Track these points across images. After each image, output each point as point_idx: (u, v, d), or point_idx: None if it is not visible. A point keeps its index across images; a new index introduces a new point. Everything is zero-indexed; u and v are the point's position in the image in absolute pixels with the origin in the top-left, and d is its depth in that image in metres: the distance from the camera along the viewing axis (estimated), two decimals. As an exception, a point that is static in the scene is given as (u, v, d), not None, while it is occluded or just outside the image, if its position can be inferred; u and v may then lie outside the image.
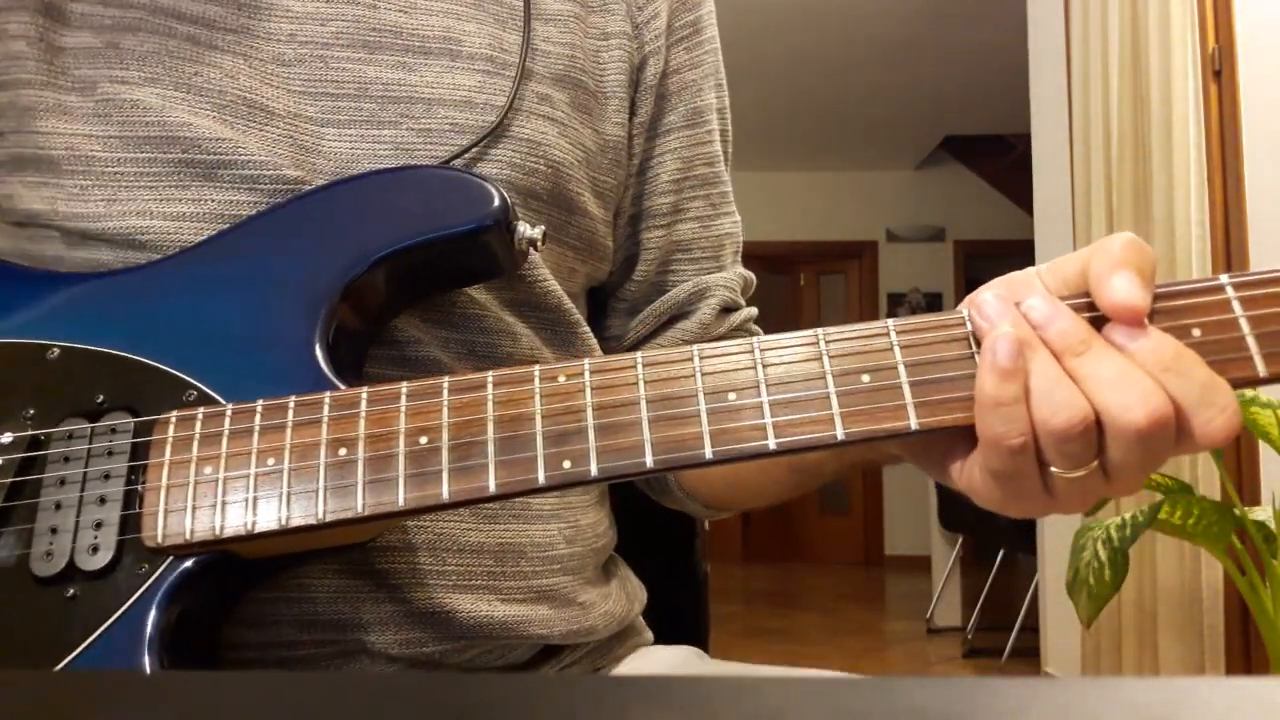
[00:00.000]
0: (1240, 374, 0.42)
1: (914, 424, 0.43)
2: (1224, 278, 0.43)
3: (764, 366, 0.45)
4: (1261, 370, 0.42)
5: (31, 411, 0.50)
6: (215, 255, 0.55)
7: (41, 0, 0.59)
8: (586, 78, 0.67)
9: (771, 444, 0.43)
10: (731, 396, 0.44)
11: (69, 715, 0.23)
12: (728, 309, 0.74)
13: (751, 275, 0.77)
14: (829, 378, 0.44)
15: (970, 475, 0.45)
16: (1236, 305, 0.43)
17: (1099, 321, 0.43)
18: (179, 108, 0.57)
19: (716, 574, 0.87)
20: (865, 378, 0.44)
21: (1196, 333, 0.42)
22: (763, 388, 0.44)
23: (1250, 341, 0.42)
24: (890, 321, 0.45)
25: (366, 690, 0.24)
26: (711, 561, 0.86)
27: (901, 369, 0.44)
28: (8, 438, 0.50)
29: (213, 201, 0.57)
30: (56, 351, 0.52)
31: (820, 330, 0.45)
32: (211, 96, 0.57)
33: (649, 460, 0.44)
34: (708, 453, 0.44)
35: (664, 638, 0.75)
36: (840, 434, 0.43)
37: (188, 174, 0.57)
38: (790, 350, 0.45)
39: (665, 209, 0.72)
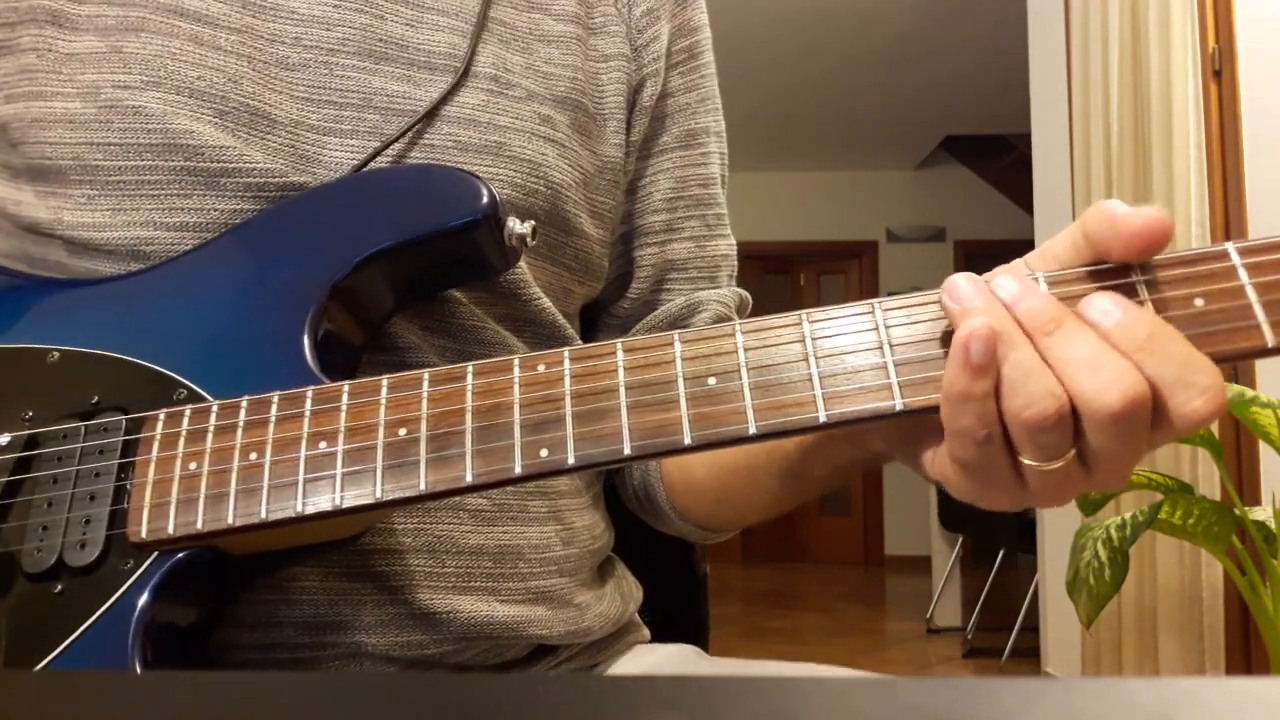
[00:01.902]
0: (1248, 344, 0.39)
1: (899, 404, 0.41)
2: (1229, 245, 0.40)
3: (745, 350, 0.43)
4: (1270, 340, 0.39)
5: (30, 413, 0.51)
6: (208, 258, 0.55)
7: (49, 10, 0.59)
8: (586, 100, 0.67)
9: (751, 428, 0.42)
10: (711, 381, 0.43)
11: (68, 715, 0.23)
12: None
13: (748, 296, 0.76)
14: (811, 360, 0.43)
15: (942, 465, 0.44)
16: (1242, 273, 0.40)
17: (1076, 301, 0.40)
18: (181, 113, 0.56)
19: (716, 574, 0.86)
20: (849, 358, 0.42)
21: (1199, 303, 0.40)
22: (744, 371, 0.43)
23: (1258, 310, 0.39)
24: (875, 301, 0.44)
25: (365, 690, 0.24)
26: (711, 562, 0.86)
27: (886, 349, 0.42)
28: (5, 439, 0.50)
29: (216, 211, 0.56)
30: (56, 355, 0.53)
31: (804, 312, 0.44)
32: (214, 102, 0.57)
33: (627, 447, 0.43)
34: (687, 438, 0.42)
35: (664, 638, 0.75)
36: (822, 416, 0.42)
37: (190, 182, 0.56)
38: (773, 333, 0.44)
39: (658, 227, 0.72)
